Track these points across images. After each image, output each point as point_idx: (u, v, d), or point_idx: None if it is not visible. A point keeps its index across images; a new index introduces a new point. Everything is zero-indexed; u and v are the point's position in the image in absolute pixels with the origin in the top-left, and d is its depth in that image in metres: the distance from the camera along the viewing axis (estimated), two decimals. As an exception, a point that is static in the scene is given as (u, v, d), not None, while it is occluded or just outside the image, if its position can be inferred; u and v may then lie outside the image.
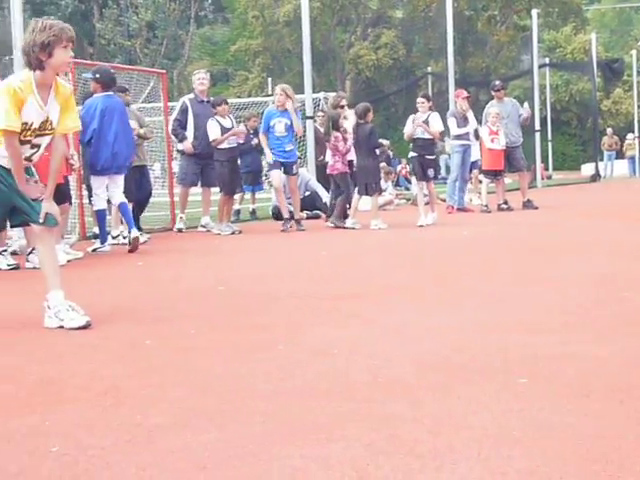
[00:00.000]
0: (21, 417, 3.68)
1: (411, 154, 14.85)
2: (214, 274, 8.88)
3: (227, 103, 14.57)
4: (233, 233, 13.67)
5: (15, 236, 10.53)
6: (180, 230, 14.47)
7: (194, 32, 61.31)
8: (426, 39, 56.05)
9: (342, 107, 15.28)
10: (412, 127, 14.39)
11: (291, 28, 51.86)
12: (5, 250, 9.77)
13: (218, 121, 14.03)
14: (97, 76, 11.49)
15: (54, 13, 55.47)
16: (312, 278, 8.31)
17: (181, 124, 14.32)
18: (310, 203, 17.39)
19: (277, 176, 14.17)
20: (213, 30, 65.62)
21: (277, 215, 16.65)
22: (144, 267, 9.75)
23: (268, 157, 14.22)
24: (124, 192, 11.51)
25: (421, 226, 13.77)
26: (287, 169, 14.19)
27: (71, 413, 3.72)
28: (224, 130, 13.97)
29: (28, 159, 5.96)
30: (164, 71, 18.46)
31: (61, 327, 5.68)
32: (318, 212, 17.07)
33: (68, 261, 9.69)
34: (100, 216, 11.38)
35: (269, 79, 49.59)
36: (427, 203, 14.57)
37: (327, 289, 7.43)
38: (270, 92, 44.00)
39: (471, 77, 51.77)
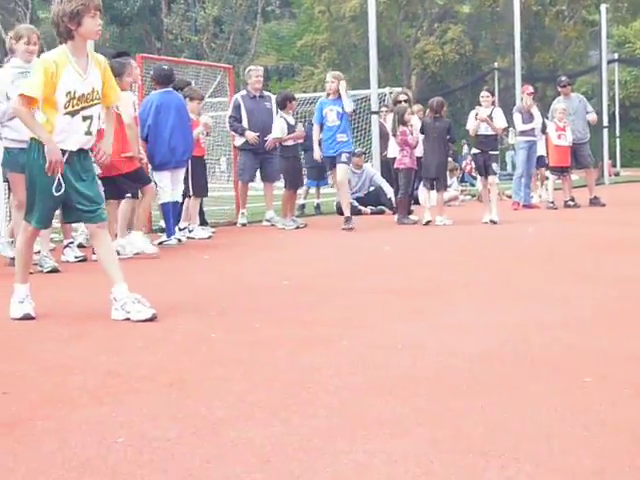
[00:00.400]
0: (89, 407, 3.73)
1: (474, 150, 14.69)
2: (278, 268, 8.91)
3: (295, 100, 14.60)
4: (298, 227, 13.71)
5: (80, 229, 10.65)
6: (243, 225, 14.53)
7: (261, 27, 61.52)
8: (493, 34, 55.67)
9: (400, 102, 15.23)
10: (476, 122, 14.24)
11: (357, 23, 51.83)
12: (72, 242, 9.89)
13: (285, 118, 14.09)
14: (152, 74, 11.77)
15: (123, 8, 56.14)
16: (376, 273, 8.30)
17: (237, 120, 14.34)
18: (374, 198, 17.40)
19: (341, 170, 13.51)
20: (280, 25, 65.78)
21: (341, 210, 16.67)
22: (209, 261, 9.81)
23: (316, 155, 13.84)
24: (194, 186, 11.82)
25: (488, 223, 13.66)
26: (337, 156, 13.42)
27: (137, 404, 3.76)
28: (289, 127, 14.02)
29: (88, 133, 6.00)
30: (230, 66, 18.55)
31: (128, 319, 5.74)
32: (382, 207, 17.08)
33: (135, 254, 9.82)
34: (166, 209, 11.46)
35: (335, 74, 49.53)
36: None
37: (391, 285, 7.41)
38: (336, 87, 44.06)
39: (538, 73, 51.35)
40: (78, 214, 6.11)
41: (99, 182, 6.33)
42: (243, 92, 14.71)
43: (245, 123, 14.27)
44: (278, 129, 14.04)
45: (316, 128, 13.82)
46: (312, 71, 57.61)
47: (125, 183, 9.99)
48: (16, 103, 5.88)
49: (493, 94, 15.11)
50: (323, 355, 4.63)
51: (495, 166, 14.33)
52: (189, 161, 11.96)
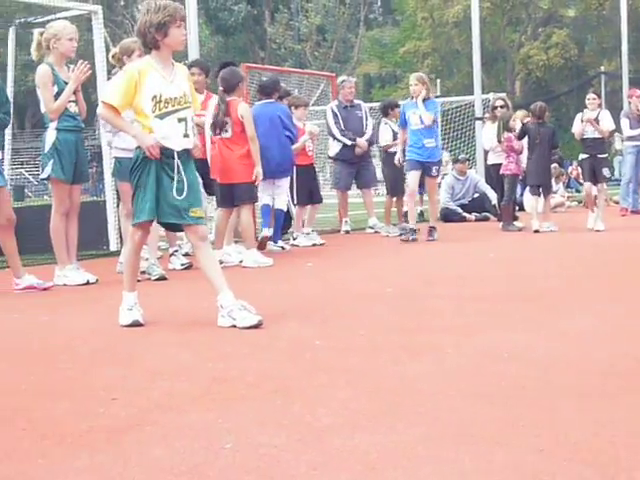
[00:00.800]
0: (196, 413, 3.78)
1: (582, 156, 14.37)
2: (382, 275, 8.91)
3: (398, 107, 14.59)
4: (402, 235, 13.67)
5: (186, 238, 10.79)
6: (347, 232, 14.59)
7: (363, 35, 61.65)
8: (599, 38, 54.77)
9: (496, 108, 15.13)
10: (581, 125, 13.98)
11: (460, 29, 51.53)
12: (177, 251, 10.04)
13: (390, 125, 14.11)
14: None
15: (227, 18, 56.82)
16: (480, 281, 8.24)
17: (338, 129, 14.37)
18: (479, 205, 17.29)
19: (412, 177, 12.79)
20: (382, 32, 65.79)
21: (446, 217, 16.61)
22: (313, 268, 9.86)
23: (396, 159, 13.50)
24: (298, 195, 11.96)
25: (592, 230, 13.42)
26: (425, 169, 12.74)
27: (243, 411, 3.80)
28: (394, 134, 14.04)
29: (185, 135, 6.09)
30: (333, 74, 18.65)
31: (234, 326, 5.80)
32: (487, 214, 16.95)
33: (240, 262, 9.94)
34: (265, 213, 11.63)
35: (438, 80, 49.35)
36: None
37: (496, 292, 7.35)
38: (439, 93, 43.85)
39: (646, 76, 50.31)
40: (170, 214, 6.12)
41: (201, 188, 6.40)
42: (335, 102, 14.79)
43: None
44: (383, 136, 14.09)
45: (401, 132, 13.37)
46: (415, 78, 57.44)
47: (239, 192, 10.10)
48: (100, 109, 6.07)
49: (599, 96, 14.75)
50: (427, 363, 4.61)
51: (606, 171, 13.96)
52: (294, 170, 12.05)
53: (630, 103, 17.60)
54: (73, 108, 8.69)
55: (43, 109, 8.71)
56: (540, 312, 6.26)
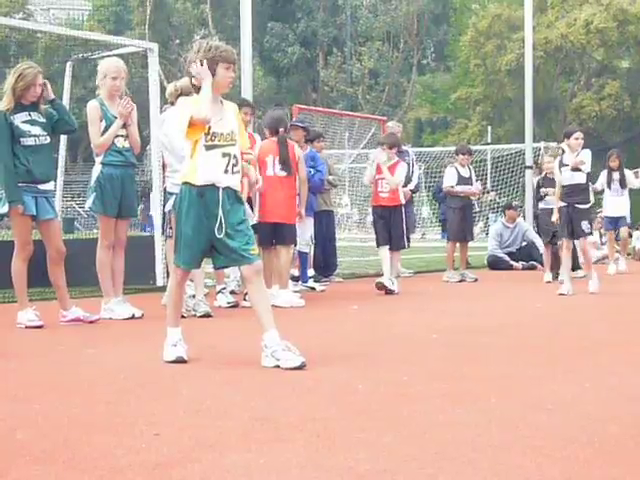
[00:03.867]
0: (237, 453, 3.76)
1: (559, 204, 12.35)
2: (427, 321, 8.87)
3: (471, 154, 14.67)
4: (462, 281, 13.77)
5: (232, 275, 10.83)
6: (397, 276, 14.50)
7: (415, 80, 61.84)
8: (653, 89, 54.49)
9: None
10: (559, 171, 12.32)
11: (513, 77, 51.43)
12: (224, 288, 10.07)
13: (457, 169, 14.17)
14: None
15: (281, 60, 57.35)
16: (526, 330, 8.17)
17: None
18: (527, 253, 17.20)
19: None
20: (434, 78, 65.95)
21: (493, 264, 16.56)
22: (359, 310, 9.84)
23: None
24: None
25: (560, 294, 11.87)
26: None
27: (285, 452, 3.78)
28: (460, 179, 14.07)
29: (226, 171, 6.08)
30: (385, 118, 18.71)
31: (277, 367, 5.79)
32: (534, 263, 16.85)
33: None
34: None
35: (489, 127, 49.37)
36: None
37: (541, 343, 7.29)
38: (489, 140, 43.81)
39: (700, 129, 49.98)
40: (226, 258, 6.17)
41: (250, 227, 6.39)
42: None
43: None
44: (447, 179, 14.23)
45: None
46: (466, 124, 57.42)
47: (282, 233, 10.13)
48: (196, 115, 5.99)
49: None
50: (471, 412, 4.57)
51: (585, 225, 11.93)
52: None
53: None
54: (121, 143, 8.80)
55: (92, 144, 8.85)
56: (584, 363, 6.19)
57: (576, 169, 11.78)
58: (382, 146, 12.26)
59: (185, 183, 6.12)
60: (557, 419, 4.40)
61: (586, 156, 11.86)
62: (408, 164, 14.33)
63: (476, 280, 14.05)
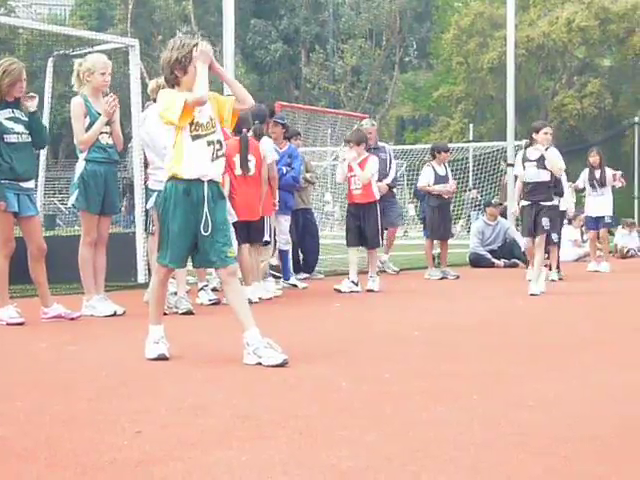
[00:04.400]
0: (219, 451, 3.76)
1: (522, 203, 12.15)
2: (410, 318, 8.88)
3: (447, 151, 14.64)
4: (444, 278, 13.81)
5: (214, 273, 10.80)
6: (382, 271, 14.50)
7: (398, 77, 61.92)
8: (634, 88, 54.71)
9: None
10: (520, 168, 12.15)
11: (495, 75, 51.63)
12: (206, 285, 10.06)
13: (433, 167, 14.15)
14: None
15: (264, 57, 57.31)
16: (508, 328, 8.19)
17: None
18: (508, 251, 17.24)
19: None
20: (416, 75, 66.07)
21: (474, 262, 16.61)
22: (341, 308, 9.84)
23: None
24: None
25: (531, 294, 11.35)
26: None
27: (267, 450, 3.77)
28: (437, 177, 14.06)
29: (213, 158, 6.10)
30: (367, 115, 18.71)
31: (259, 364, 5.78)
32: (516, 261, 16.90)
33: (259, 299, 9.91)
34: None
35: (470, 125, 49.48)
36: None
37: (524, 340, 7.30)
38: (471, 138, 43.91)
39: (680, 127, 50.16)
40: (205, 259, 6.18)
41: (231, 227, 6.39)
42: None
43: None
44: (423, 178, 14.22)
45: None
46: (448, 122, 57.56)
47: (248, 230, 10.13)
48: (190, 100, 5.97)
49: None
50: (453, 409, 4.57)
51: (546, 222, 11.57)
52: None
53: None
54: (105, 140, 8.77)
55: (75, 140, 8.81)
56: (567, 361, 6.20)
57: (543, 167, 11.50)
58: (349, 144, 12.02)
59: (171, 179, 6.10)
60: (539, 417, 4.41)
61: (553, 154, 11.62)
62: (384, 160, 14.29)
63: (458, 277, 14.08)
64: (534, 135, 11.79)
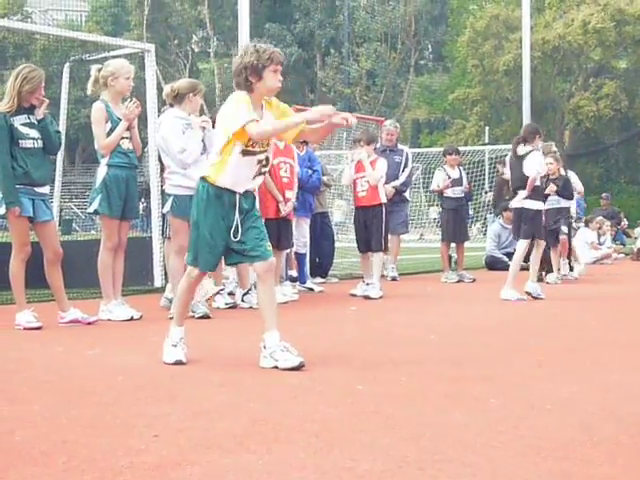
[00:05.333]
0: (236, 454, 3.76)
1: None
2: (426, 322, 8.87)
3: (458, 153, 14.56)
4: (460, 281, 13.78)
5: (231, 277, 10.82)
6: (394, 279, 14.44)
7: (413, 80, 61.88)
8: (651, 90, 54.61)
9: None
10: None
11: (510, 77, 51.59)
12: (222, 289, 10.07)
13: (445, 171, 14.12)
14: None
15: (278, 61, 57.21)
16: (524, 330, 8.18)
17: None
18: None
19: None
20: (432, 78, 66.04)
21: (491, 265, 16.58)
22: (357, 312, 9.84)
23: None
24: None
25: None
26: None
27: (283, 453, 3.77)
28: (450, 180, 14.02)
29: (256, 176, 6.05)
30: (382, 118, 18.70)
31: (275, 367, 5.78)
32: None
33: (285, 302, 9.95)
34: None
35: (486, 128, 49.41)
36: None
37: (540, 342, 7.29)
38: (487, 141, 43.84)
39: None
40: (240, 255, 6.10)
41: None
42: (377, 144, 14.53)
43: None
44: (434, 181, 14.19)
45: None
46: (463, 124, 57.52)
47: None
48: (253, 131, 5.80)
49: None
50: (470, 412, 4.57)
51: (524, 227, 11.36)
52: None
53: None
54: (126, 145, 8.80)
55: (96, 145, 8.83)
56: (582, 363, 6.19)
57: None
58: (359, 143, 11.83)
59: (204, 180, 6.03)
60: (556, 419, 4.40)
61: (531, 159, 11.09)
62: (398, 163, 14.20)
63: (474, 280, 14.06)
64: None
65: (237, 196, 5.99)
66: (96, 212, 8.90)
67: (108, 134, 8.72)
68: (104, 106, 8.74)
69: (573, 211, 16.85)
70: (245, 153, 5.93)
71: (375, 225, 11.57)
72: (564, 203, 14.07)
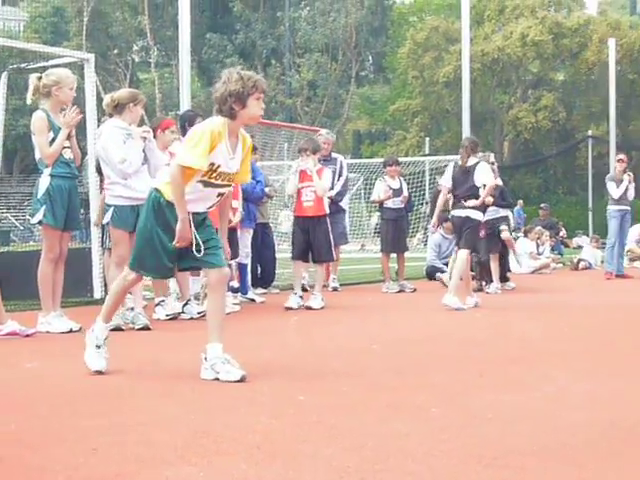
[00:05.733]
0: (176, 467, 3.73)
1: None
2: (368, 332, 8.88)
3: (398, 164, 14.54)
4: (401, 291, 13.81)
5: (172, 287, 10.69)
6: (335, 289, 14.39)
7: (354, 91, 62.06)
8: (587, 102, 55.31)
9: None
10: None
11: (450, 89, 51.96)
12: (163, 301, 9.99)
13: (386, 181, 14.16)
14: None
15: (219, 71, 57.04)
16: (466, 340, 8.22)
17: None
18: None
19: None
20: (373, 90, 66.28)
21: (431, 274, 16.64)
22: (299, 322, 9.82)
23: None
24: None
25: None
26: None
27: (225, 465, 3.75)
28: (391, 190, 14.04)
29: (213, 206, 6.05)
30: (318, 128, 18.74)
31: (217, 379, 5.75)
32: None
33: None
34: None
35: (427, 139, 49.72)
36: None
37: (481, 353, 7.32)
38: (427, 152, 44.13)
39: (633, 141, 50.78)
40: (195, 260, 6.01)
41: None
42: None
43: None
44: (375, 191, 14.22)
45: None
46: (404, 135, 57.79)
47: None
48: (175, 172, 5.81)
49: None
50: (412, 422, 4.57)
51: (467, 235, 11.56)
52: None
53: (616, 168, 17.60)
54: (68, 154, 8.70)
55: (38, 155, 8.72)
56: (524, 373, 6.23)
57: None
58: (305, 152, 11.51)
59: (157, 189, 5.99)
60: (497, 428, 4.42)
61: (482, 169, 11.34)
62: (333, 172, 14.17)
63: (415, 290, 14.10)
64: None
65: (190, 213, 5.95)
66: (40, 223, 8.79)
67: (50, 144, 8.63)
68: (45, 115, 8.64)
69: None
70: (206, 184, 5.91)
71: (323, 235, 11.40)
72: (502, 212, 14.30)
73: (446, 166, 12.50)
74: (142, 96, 9.30)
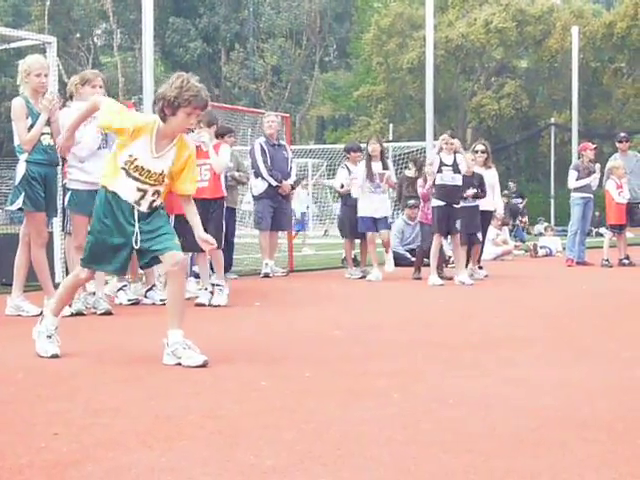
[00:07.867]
0: (138, 451, 3.73)
1: (436, 202, 12.91)
2: (330, 318, 8.90)
3: (361, 150, 14.43)
4: (363, 277, 13.81)
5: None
6: (267, 275, 13.91)
7: (318, 77, 62.01)
8: (550, 90, 55.50)
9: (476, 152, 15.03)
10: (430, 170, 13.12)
11: (414, 75, 51.98)
12: (125, 286, 9.97)
13: (348, 168, 14.12)
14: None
15: (182, 55, 56.91)
16: (428, 326, 8.25)
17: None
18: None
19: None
20: (337, 75, 66.23)
21: (394, 261, 16.67)
22: (261, 308, 9.82)
23: None
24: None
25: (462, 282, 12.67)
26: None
27: (186, 450, 3.75)
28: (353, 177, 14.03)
29: (137, 203, 5.95)
30: (287, 114, 18.72)
31: (179, 364, 5.75)
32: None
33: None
34: None
35: (390, 125, 49.73)
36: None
37: (444, 338, 7.36)
38: (391, 138, 44.16)
39: (595, 129, 51.07)
40: (151, 254, 6.01)
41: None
42: (262, 139, 14.33)
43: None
44: (338, 178, 14.19)
45: None
46: (368, 122, 57.76)
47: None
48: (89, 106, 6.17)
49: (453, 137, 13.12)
50: (374, 407, 4.59)
51: (458, 222, 12.81)
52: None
53: (582, 156, 17.70)
54: (47, 140, 8.66)
55: (17, 141, 8.68)
56: (485, 359, 6.26)
57: (458, 171, 12.71)
58: (199, 124, 9.61)
59: (103, 186, 6.00)
60: (459, 414, 4.45)
61: (462, 159, 12.85)
62: (287, 158, 14.19)
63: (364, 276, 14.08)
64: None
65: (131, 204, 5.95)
66: (20, 209, 8.72)
67: (29, 130, 8.58)
68: (24, 101, 8.63)
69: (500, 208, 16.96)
70: (127, 174, 5.91)
71: (215, 220, 9.91)
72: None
73: (409, 153, 12.82)
74: (93, 75, 9.16)
